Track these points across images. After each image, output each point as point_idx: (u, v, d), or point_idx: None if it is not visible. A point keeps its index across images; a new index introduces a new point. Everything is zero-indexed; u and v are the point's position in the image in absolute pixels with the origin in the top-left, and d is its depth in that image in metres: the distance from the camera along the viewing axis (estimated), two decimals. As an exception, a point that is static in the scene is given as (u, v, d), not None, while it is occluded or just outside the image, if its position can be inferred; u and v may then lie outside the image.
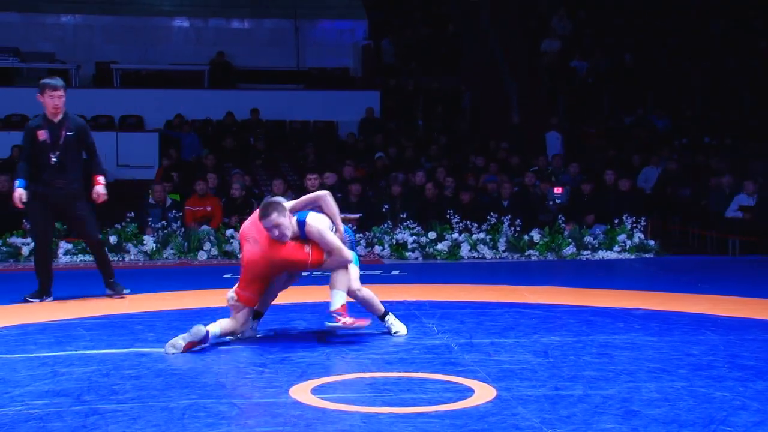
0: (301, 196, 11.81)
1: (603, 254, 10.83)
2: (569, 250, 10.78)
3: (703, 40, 19.01)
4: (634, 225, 11.10)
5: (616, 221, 11.14)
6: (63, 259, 10.40)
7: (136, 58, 18.74)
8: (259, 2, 19.36)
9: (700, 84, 17.96)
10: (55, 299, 7.15)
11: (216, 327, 5.16)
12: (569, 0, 20.19)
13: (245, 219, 5.55)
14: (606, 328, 5.72)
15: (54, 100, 7.08)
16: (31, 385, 4.19)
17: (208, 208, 11.74)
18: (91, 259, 10.31)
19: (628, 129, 16.76)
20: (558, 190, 12.27)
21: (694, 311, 6.42)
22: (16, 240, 10.56)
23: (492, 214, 11.11)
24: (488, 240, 10.84)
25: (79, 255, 10.45)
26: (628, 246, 10.92)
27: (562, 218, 11.20)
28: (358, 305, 5.59)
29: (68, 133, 7.12)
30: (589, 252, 10.87)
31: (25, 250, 10.45)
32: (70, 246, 10.52)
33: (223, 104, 16.65)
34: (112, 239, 10.50)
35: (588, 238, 10.95)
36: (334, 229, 5.41)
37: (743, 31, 18.99)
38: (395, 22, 19.59)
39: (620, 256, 10.82)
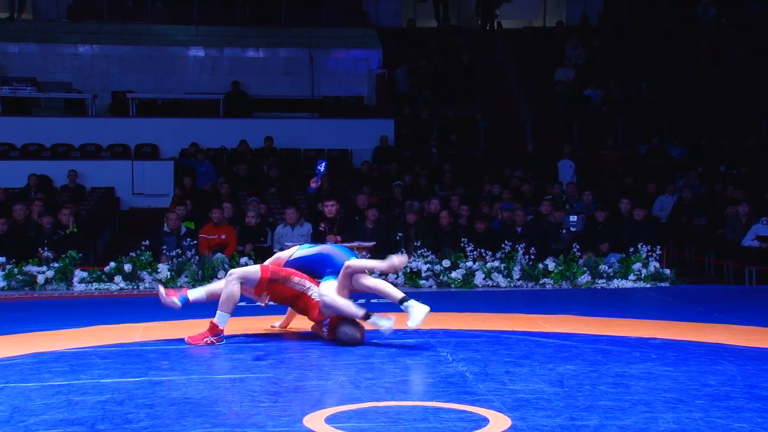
0: (316, 223, 11.83)
1: (618, 283, 10.78)
2: (584, 278, 10.73)
3: (720, 69, 19.02)
4: (650, 253, 11.05)
5: (631, 250, 11.10)
6: (78, 288, 10.43)
7: (152, 87, 18.92)
8: (274, 32, 19.53)
9: (716, 113, 17.95)
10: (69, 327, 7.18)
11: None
12: (583, 29, 20.28)
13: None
14: (622, 357, 5.68)
15: None
16: (45, 414, 4.19)
17: (223, 236, 11.77)
18: (107, 287, 10.39)
19: (643, 158, 16.74)
20: (574, 217, 12.25)
21: (710, 341, 6.37)
22: (31, 268, 10.61)
23: (506, 242, 11.09)
24: (503, 268, 10.82)
25: (94, 283, 10.48)
26: (643, 275, 10.87)
27: (577, 246, 11.16)
28: None
29: None
30: (604, 281, 10.82)
31: (41, 279, 10.49)
32: (84, 274, 10.56)
33: (238, 133, 16.76)
34: (127, 267, 10.53)
35: (603, 267, 10.91)
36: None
37: (760, 59, 19.00)
38: (409, 51, 19.71)
39: (636, 285, 10.76)
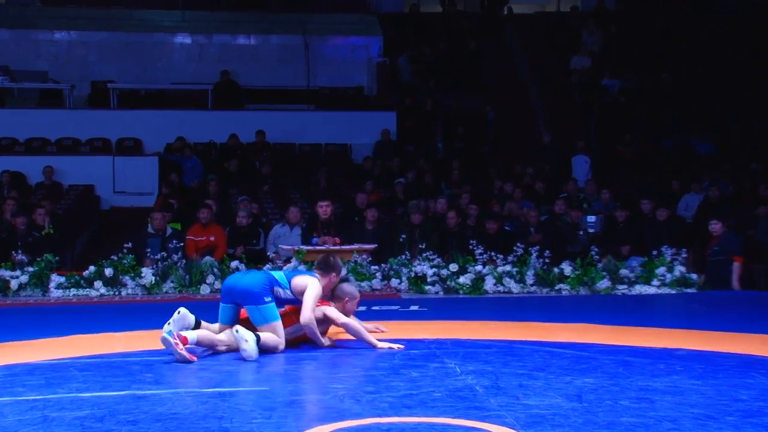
0: (312, 224, 11.79)
1: (640, 289, 10.77)
2: (603, 284, 10.73)
3: (749, 59, 18.99)
4: (675, 257, 11.04)
5: (654, 253, 11.08)
6: (54, 294, 10.42)
7: (135, 77, 18.91)
8: (267, 18, 19.52)
9: (746, 105, 17.92)
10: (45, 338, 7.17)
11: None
12: (600, 13, 20.28)
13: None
14: (645, 369, 5.66)
15: None
16: (19, 431, 4.18)
17: (212, 238, 11.77)
18: (86, 293, 10.38)
19: (666, 153, 16.73)
20: (593, 217, 12.25)
21: (742, 352, 6.35)
22: (4, 273, 10.59)
23: (519, 244, 11.08)
24: (515, 273, 10.81)
25: (72, 289, 10.47)
26: (667, 280, 10.86)
27: (596, 249, 11.15)
28: None
29: None
30: (625, 286, 10.81)
31: (14, 284, 10.47)
32: (62, 279, 10.55)
33: (228, 126, 16.76)
34: (108, 272, 10.52)
35: (624, 271, 10.90)
36: None
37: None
38: (412, 37, 19.71)
39: (659, 291, 10.75)
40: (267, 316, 6.25)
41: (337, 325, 6.59)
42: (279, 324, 6.29)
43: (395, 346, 6.48)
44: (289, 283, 6.45)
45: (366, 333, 6.60)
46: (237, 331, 5.98)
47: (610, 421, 4.31)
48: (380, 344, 6.50)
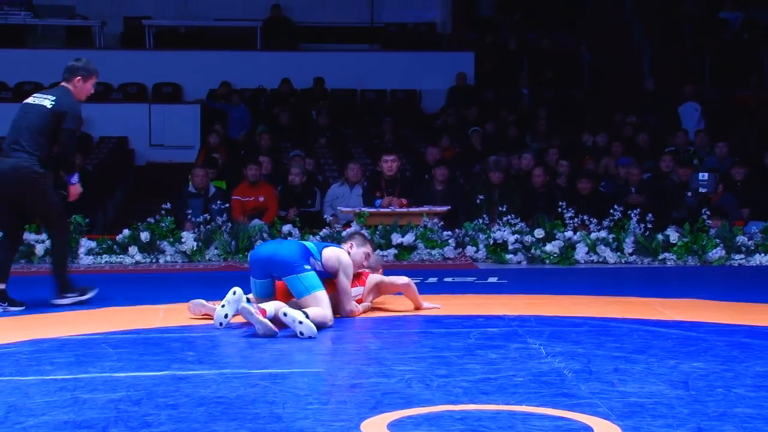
0: (375, 182, 11.90)
1: (761, 259, 10.64)
2: (716, 253, 10.62)
3: None
4: (803, 222, 10.89)
5: (779, 217, 10.95)
6: (84, 261, 10.63)
7: (174, 12, 19.04)
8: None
9: None
10: (73, 309, 7.35)
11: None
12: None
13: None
14: (765, 353, 5.62)
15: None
16: (46, 415, 4.29)
17: (261, 199, 11.89)
18: (120, 260, 10.59)
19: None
20: (704, 175, 12.10)
21: None
22: (28, 236, 10.80)
23: (616, 207, 11.01)
24: (611, 240, 10.75)
25: (104, 255, 10.67)
26: (794, 248, 10.73)
27: (707, 212, 11.04)
28: None
29: None
30: (742, 256, 10.69)
31: (40, 249, 10.69)
32: (92, 244, 10.75)
33: (279, 70, 16.83)
34: (144, 236, 10.69)
35: (741, 239, 10.77)
36: None
37: None
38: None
39: (784, 262, 10.64)
40: (309, 286, 6.35)
41: (398, 287, 7.16)
42: (323, 293, 6.40)
43: (435, 307, 7.16)
44: (320, 255, 6.60)
45: (417, 293, 7.16)
46: (285, 315, 6.06)
47: (722, 412, 4.28)
48: (424, 305, 7.17)
